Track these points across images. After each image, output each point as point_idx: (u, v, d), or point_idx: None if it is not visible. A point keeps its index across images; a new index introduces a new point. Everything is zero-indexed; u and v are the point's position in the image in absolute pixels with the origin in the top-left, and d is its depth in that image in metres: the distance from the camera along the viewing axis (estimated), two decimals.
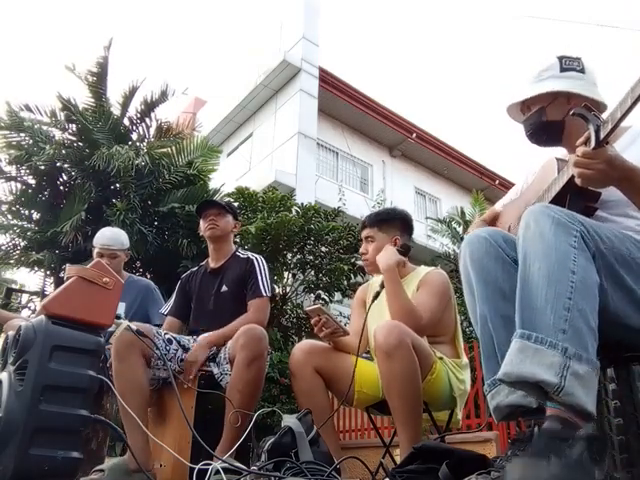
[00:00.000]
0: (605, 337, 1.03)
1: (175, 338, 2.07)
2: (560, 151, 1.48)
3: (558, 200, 1.21)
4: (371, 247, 2.03)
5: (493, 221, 1.61)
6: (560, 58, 1.38)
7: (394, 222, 2.06)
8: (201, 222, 2.40)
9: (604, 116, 1.05)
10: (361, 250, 2.08)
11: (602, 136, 1.02)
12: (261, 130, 11.88)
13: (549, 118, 1.37)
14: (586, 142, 1.06)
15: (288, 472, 1.36)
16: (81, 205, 4.87)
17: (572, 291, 0.94)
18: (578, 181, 1.09)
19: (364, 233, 2.08)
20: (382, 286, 1.83)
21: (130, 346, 1.83)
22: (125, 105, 5.64)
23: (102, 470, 1.69)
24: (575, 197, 1.15)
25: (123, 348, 1.84)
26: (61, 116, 5.40)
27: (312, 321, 1.87)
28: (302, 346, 1.90)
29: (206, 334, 2.11)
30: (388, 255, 1.86)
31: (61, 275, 4.96)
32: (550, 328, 0.92)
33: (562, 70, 1.36)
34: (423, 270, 1.99)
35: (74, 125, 5.37)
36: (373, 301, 1.84)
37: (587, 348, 0.91)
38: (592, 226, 1.04)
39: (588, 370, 0.90)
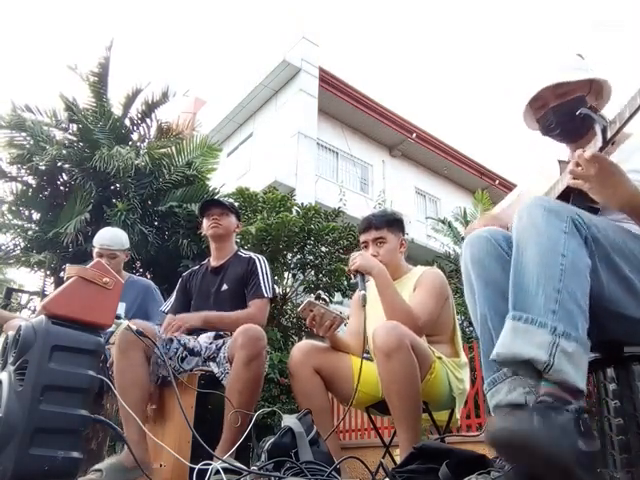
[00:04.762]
0: (605, 333, 1.03)
1: (176, 337, 2.07)
2: (560, 152, 1.47)
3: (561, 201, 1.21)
4: (383, 249, 1.96)
5: (492, 224, 1.60)
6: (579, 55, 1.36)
7: (398, 224, 2.06)
8: (204, 221, 2.40)
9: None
10: (371, 252, 1.95)
11: (609, 136, 1.02)
12: (261, 130, 11.88)
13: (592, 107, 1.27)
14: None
15: (288, 472, 1.36)
16: (84, 206, 4.87)
17: (562, 274, 0.96)
18: (572, 182, 1.11)
19: (372, 235, 1.98)
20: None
21: (133, 342, 1.83)
22: (127, 106, 5.65)
23: (100, 470, 1.68)
24: (578, 197, 1.15)
25: (126, 344, 1.85)
26: (63, 116, 5.41)
27: (307, 322, 1.82)
28: (301, 346, 1.89)
29: (206, 312, 2.13)
30: (374, 260, 1.84)
31: (61, 275, 4.96)
32: (541, 309, 0.94)
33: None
34: (419, 270, 1.98)
35: (75, 125, 5.38)
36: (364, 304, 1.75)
37: (577, 327, 0.94)
38: (587, 215, 1.05)
39: (577, 348, 0.92)
